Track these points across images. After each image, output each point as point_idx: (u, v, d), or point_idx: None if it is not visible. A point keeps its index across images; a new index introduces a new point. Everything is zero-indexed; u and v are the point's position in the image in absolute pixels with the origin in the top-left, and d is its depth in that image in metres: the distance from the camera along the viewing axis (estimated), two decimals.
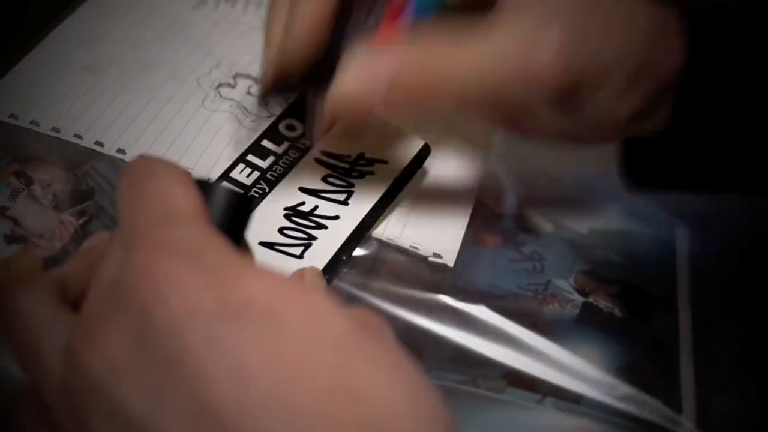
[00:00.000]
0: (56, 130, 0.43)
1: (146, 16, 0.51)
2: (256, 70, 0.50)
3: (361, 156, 0.43)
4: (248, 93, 0.48)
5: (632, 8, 0.34)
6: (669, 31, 0.34)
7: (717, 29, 0.35)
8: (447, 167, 0.46)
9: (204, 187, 0.25)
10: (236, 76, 0.49)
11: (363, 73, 0.32)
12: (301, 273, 0.36)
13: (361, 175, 0.43)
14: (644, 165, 0.38)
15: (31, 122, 0.44)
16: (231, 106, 0.47)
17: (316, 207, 0.41)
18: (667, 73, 0.34)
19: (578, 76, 0.32)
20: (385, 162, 0.43)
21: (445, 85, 0.32)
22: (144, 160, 0.25)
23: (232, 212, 0.25)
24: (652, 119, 0.36)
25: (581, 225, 0.44)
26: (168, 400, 0.20)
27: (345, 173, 0.43)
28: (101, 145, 0.43)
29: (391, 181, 0.43)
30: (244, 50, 0.51)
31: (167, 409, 0.20)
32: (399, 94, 0.32)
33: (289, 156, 0.43)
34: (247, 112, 0.47)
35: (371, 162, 0.43)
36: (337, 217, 0.41)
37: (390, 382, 0.21)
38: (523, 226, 0.43)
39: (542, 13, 0.32)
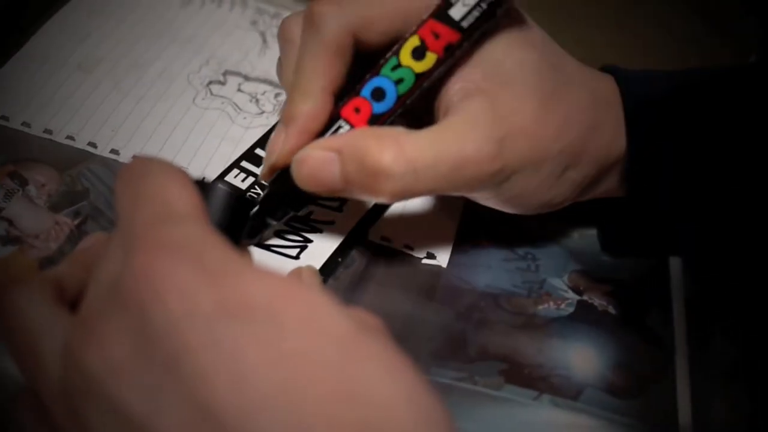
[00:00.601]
0: (48, 131, 0.43)
1: (132, 12, 0.51)
2: (245, 67, 0.50)
3: None
4: (239, 90, 0.48)
5: (575, 99, 0.36)
6: (609, 119, 0.37)
7: (658, 111, 0.37)
8: None
9: (202, 186, 0.24)
10: (226, 73, 0.49)
11: (318, 150, 0.34)
12: (298, 272, 0.36)
13: None
14: (618, 240, 0.42)
15: (23, 124, 0.43)
16: (222, 103, 0.47)
17: (311, 212, 0.41)
18: (604, 160, 0.37)
19: (505, 168, 0.34)
20: None
21: (381, 178, 0.33)
22: (141, 160, 0.25)
23: (230, 212, 0.25)
24: (594, 193, 0.39)
25: (572, 230, 0.44)
26: (167, 401, 0.20)
27: None
28: (94, 146, 0.43)
29: None
30: (233, 48, 0.51)
31: (166, 410, 0.20)
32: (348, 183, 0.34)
33: None
34: (239, 109, 0.47)
35: None
36: (332, 222, 0.41)
37: (390, 384, 0.21)
38: (515, 227, 0.43)
39: (480, 115, 0.34)
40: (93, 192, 0.41)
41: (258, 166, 0.43)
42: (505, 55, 0.35)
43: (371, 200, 0.34)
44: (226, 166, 0.43)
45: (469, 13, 0.34)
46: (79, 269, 0.27)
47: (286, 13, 0.54)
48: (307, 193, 0.35)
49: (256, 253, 0.39)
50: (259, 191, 0.42)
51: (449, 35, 0.34)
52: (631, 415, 0.36)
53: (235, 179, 0.43)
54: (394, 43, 0.35)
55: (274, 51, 0.51)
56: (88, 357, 0.22)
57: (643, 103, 0.37)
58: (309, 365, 0.20)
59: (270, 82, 0.49)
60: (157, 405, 0.21)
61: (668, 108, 0.37)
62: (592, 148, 0.36)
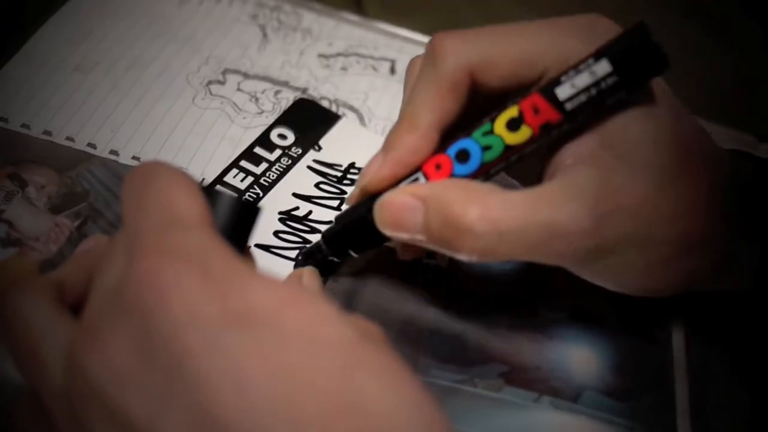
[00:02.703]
0: (48, 133, 0.43)
1: (130, 12, 0.51)
2: (244, 64, 0.50)
3: (352, 165, 0.44)
4: (238, 89, 0.48)
5: (702, 183, 0.32)
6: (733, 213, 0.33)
7: None
8: None
9: (210, 193, 0.24)
10: (225, 71, 0.49)
11: (404, 195, 0.33)
12: (298, 274, 0.36)
13: (353, 183, 0.43)
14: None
15: (22, 125, 0.43)
16: (222, 103, 0.47)
17: (310, 212, 0.42)
18: (727, 254, 0.34)
19: (602, 247, 0.31)
20: None
21: (462, 235, 0.31)
22: (149, 165, 0.25)
23: (237, 219, 0.25)
24: (710, 286, 0.36)
25: None
26: (169, 406, 0.21)
27: (337, 181, 0.43)
28: (94, 147, 0.43)
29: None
30: (232, 45, 0.51)
31: (168, 415, 0.21)
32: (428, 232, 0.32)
33: (282, 163, 0.44)
34: (238, 109, 0.47)
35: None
36: (331, 222, 0.41)
37: (391, 392, 0.21)
38: None
39: (584, 185, 0.32)
40: (93, 193, 0.41)
41: (257, 165, 0.43)
42: (627, 127, 0.32)
43: (451, 255, 0.32)
44: (225, 165, 0.43)
45: (575, 96, 0.31)
46: (79, 272, 0.27)
47: (286, 7, 0.54)
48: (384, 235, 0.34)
49: (256, 255, 0.39)
50: (258, 191, 0.42)
51: (549, 114, 0.32)
52: (630, 418, 0.36)
53: (235, 179, 0.43)
54: (515, 90, 0.33)
55: (274, 45, 0.51)
56: (91, 362, 0.22)
57: None
58: (309, 374, 0.21)
59: (270, 80, 0.49)
60: (158, 410, 0.21)
61: None
62: (714, 239, 0.33)
